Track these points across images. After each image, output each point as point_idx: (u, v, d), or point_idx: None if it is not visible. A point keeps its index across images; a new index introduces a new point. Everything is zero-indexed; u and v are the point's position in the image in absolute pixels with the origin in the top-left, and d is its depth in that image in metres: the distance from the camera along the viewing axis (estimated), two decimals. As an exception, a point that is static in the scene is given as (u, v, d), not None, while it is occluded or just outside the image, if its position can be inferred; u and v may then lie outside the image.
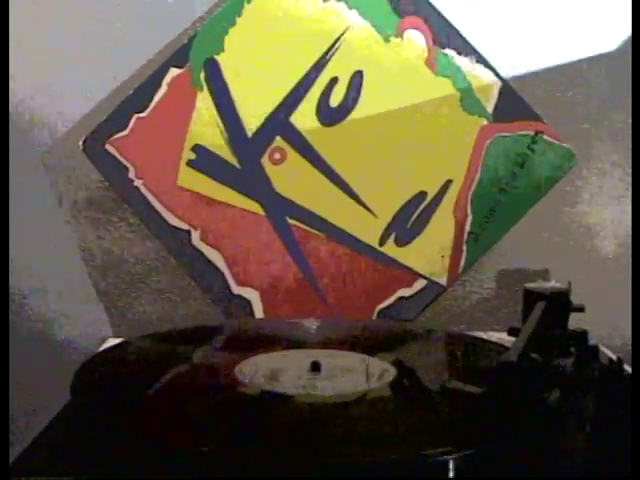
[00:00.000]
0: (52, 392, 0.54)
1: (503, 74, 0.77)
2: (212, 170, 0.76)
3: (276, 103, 0.76)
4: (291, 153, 0.76)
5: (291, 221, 0.77)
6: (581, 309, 0.63)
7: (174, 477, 0.43)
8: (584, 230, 0.83)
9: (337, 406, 0.51)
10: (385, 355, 0.60)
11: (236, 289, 0.77)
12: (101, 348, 0.69)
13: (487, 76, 0.76)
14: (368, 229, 0.77)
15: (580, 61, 0.81)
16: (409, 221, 0.77)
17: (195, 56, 0.75)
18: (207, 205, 0.76)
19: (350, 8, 0.75)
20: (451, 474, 0.43)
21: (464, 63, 0.76)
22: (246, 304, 0.77)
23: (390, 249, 0.77)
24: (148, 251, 0.82)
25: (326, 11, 0.75)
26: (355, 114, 0.76)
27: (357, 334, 0.69)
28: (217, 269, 0.77)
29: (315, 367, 0.56)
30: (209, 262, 0.76)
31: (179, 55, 0.75)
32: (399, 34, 0.76)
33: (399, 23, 0.76)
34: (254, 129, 0.76)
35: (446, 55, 0.76)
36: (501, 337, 0.65)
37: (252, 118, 0.76)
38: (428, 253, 0.77)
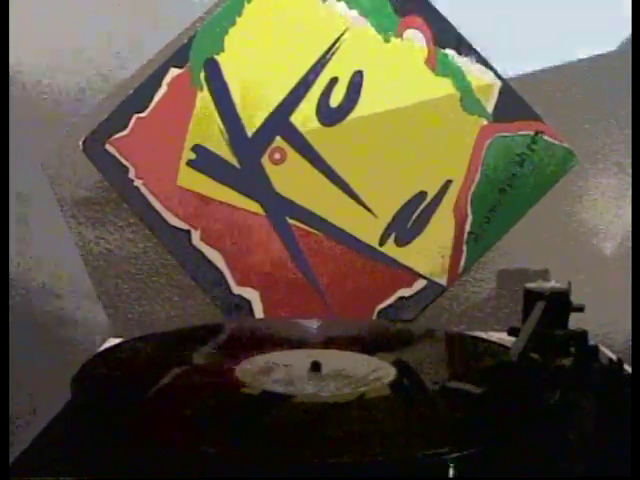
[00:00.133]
0: (52, 392, 0.54)
1: (503, 74, 0.77)
2: (212, 170, 0.76)
3: (276, 103, 0.76)
4: (291, 153, 0.76)
5: (291, 221, 0.77)
6: (581, 309, 0.63)
7: (174, 477, 0.43)
8: (584, 230, 0.83)
9: (337, 406, 0.51)
10: (385, 355, 0.60)
11: (236, 289, 0.77)
12: (101, 348, 0.69)
13: (487, 76, 0.76)
14: (368, 229, 0.77)
15: (580, 61, 0.81)
16: (409, 221, 0.77)
17: (195, 56, 0.75)
18: (207, 205, 0.76)
19: (350, 8, 0.75)
20: (451, 474, 0.43)
21: (464, 63, 0.76)
22: (246, 304, 0.77)
23: (390, 249, 0.77)
24: (148, 251, 0.82)
25: (326, 11, 0.75)
26: (355, 114, 0.76)
27: (357, 334, 0.69)
28: (217, 269, 0.77)
29: (315, 367, 0.56)
30: (209, 262, 0.76)
31: (179, 55, 0.75)
32: (399, 34, 0.76)
33: (399, 23, 0.76)
34: (254, 129, 0.76)
35: (446, 55, 0.76)
36: (501, 337, 0.65)
37: (252, 118, 0.76)
38: (428, 253, 0.77)
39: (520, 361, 0.51)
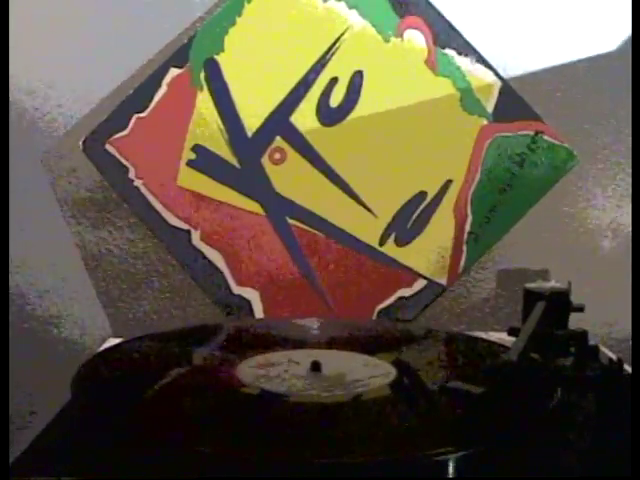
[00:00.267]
0: (52, 392, 0.54)
1: (503, 74, 0.77)
2: (212, 170, 0.76)
3: (276, 103, 0.76)
4: (291, 153, 0.76)
5: (291, 221, 0.77)
6: (581, 309, 0.63)
7: (174, 477, 0.43)
8: (584, 230, 0.83)
9: (337, 406, 0.51)
10: (385, 355, 0.60)
11: (236, 289, 0.77)
12: (101, 348, 0.69)
13: (487, 76, 0.76)
14: (368, 229, 0.77)
15: (580, 61, 0.81)
16: (409, 221, 0.77)
17: (195, 56, 0.75)
18: (207, 205, 0.76)
19: (350, 8, 0.75)
20: (451, 474, 0.43)
21: (464, 63, 0.76)
22: (246, 304, 0.77)
23: (390, 249, 0.77)
24: (148, 251, 0.82)
25: (326, 11, 0.75)
26: (355, 114, 0.76)
27: (357, 334, 0.69)
28: (217, 269, 0.77)
29: (315, 367, 0.56)
30: (209, 262, 0.76)
31: (179, 55, 0.75)
32: (399, 34, 0.76)
33: (399, 23, 0.76)
34: (254, 129, 0.76)
35: (446, 55, 0.76)
36: (501, 337, 0.65)
37: (252, 118, 0.76)
38: (428, 253, 0.77)
39: (520, 361, 0.51)
